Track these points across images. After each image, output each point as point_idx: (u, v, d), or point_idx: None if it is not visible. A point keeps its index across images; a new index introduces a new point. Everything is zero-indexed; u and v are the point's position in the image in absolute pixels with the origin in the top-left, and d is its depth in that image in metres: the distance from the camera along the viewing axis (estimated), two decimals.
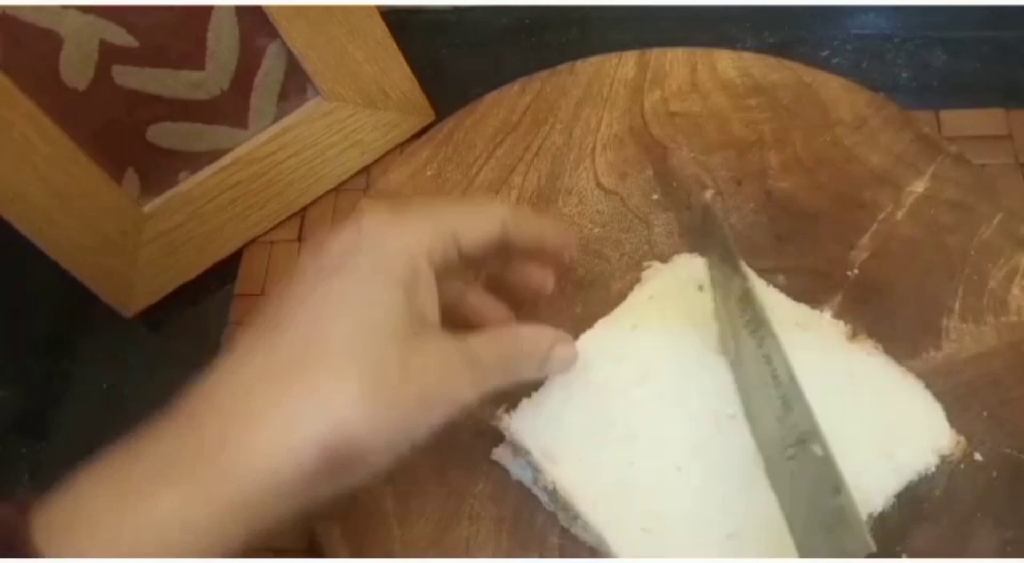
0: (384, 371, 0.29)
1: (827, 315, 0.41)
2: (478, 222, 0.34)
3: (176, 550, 0.26)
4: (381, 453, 0.29)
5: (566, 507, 0.37)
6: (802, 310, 0.41)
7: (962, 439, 0.37)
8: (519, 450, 0.38)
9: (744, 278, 0.38)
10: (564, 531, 0.39)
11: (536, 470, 0.37)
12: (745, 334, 0.37)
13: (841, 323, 0.40)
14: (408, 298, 0.30)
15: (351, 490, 0.29)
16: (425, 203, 0.37)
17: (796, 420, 0.34)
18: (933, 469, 0.36)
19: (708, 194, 0.42)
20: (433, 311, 0.32)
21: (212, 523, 0.26)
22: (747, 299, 0.37)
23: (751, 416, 0.37)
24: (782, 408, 0.34)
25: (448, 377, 0.31)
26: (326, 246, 0.31)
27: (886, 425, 0.37)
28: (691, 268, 0.42)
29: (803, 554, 0.32)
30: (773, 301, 0.40)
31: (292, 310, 0.30)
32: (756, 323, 0.36)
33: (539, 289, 0.38)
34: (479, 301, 0.38)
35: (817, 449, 0.32)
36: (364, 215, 0.32)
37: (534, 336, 0.35)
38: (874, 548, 0.29)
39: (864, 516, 0.35)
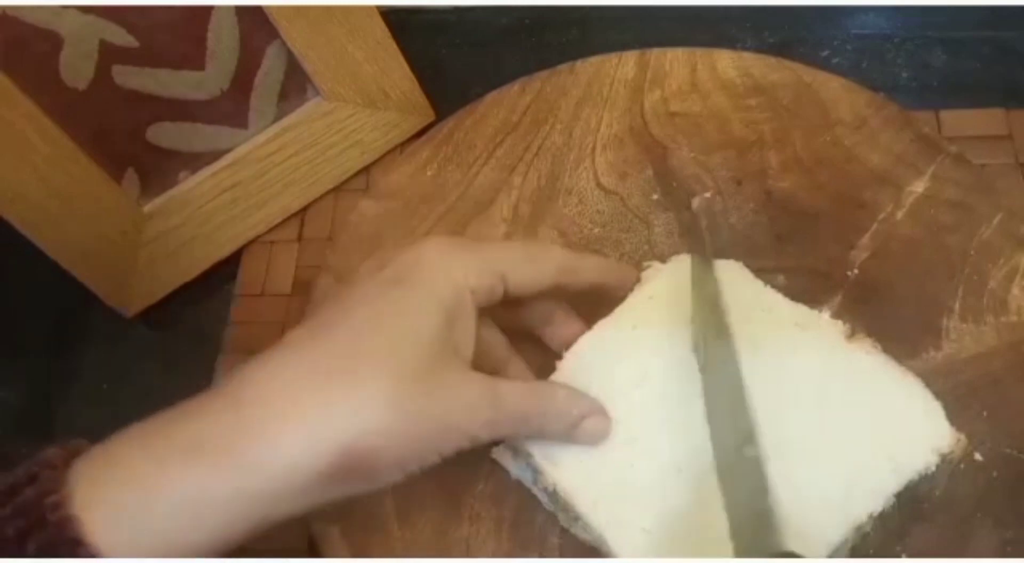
0: (412, 390, 0.30)
1: (826, 315, 0.41)
2: (530, 269, 0.36)
3: (193, 523, 0.28)
4: (392, 467, 0.31)
5: (566, 508, 0.37)
6: (801, 310, 0.41)
7: (962, 439, 0.37)
8: (519, 452, 0.38)
9: (715, 282, 0.38)
10: (564, 531, 0.39)
11: (536, 471, 0.37)
12: (711, 338, 0.37)
13: (840, 323, 0.40)
14: (449, 326, 0.32)
15: (353, 499, 0.31)
16: (486, 241, 0.40)
17: (741, 423, 0.34)
18: (933, 469, 0.36)
19: (695, 200, 0.42)
20: (467, 344, 0.33)
21: (229, 507, 0.28)
22: (715, 303, 0.38)
23: (711, 420, 0.37)
24: (733, 413, 0.35)
25: (467, 410, 0.32)
26: (388, 263, 0.33)
27: (886, 425, 0.37)
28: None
29: (739, 554, 0.32)
30: (772, 301, 0.40)
31: (342, 316, 0.32)
32: (719, 328, 0.37)
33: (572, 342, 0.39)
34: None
35: (750, 451, 0.33)
36: (428, 241, 0.34)
37: (568, 399, 0.36)
38: (789, 547, 0.30)
39: (864, 516, 0.35)
